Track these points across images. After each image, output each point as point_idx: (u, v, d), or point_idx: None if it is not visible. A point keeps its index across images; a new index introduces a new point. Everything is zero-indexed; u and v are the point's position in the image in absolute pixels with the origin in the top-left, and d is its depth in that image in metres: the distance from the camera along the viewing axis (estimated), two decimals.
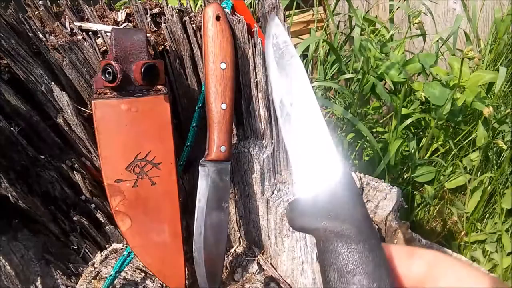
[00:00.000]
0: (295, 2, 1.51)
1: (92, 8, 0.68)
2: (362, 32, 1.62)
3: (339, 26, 1.65)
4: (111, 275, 0.65)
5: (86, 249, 0.75)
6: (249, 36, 0.65)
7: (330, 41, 1.55)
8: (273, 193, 0.72)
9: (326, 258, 0.27)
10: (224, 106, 0.63)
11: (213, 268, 0.67)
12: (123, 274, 0.70)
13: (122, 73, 0.57)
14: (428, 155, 1.38)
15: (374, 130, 1.47)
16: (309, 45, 1.45)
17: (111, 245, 0.76)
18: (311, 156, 0.30)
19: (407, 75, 1.21)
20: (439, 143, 1.36)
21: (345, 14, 1.67)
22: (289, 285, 0.74)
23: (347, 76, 1.39)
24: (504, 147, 1.13)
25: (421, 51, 1.58)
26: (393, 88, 1.36)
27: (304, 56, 1.56)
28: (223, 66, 0.62)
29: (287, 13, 1.69)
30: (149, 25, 0.69)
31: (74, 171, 0.71)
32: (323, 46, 1.54)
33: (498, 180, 1.26)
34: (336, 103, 1.43)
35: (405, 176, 1.40)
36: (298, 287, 0.73)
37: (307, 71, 1.53)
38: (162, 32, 0.68)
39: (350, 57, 1.49)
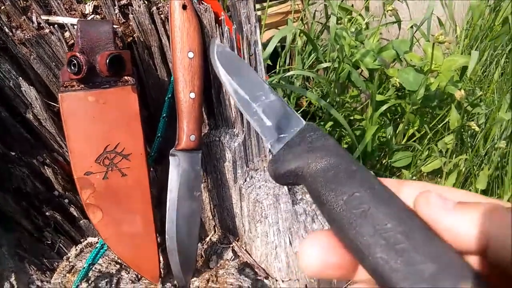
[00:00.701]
0: None
1: (59, 1, 0.68)
2: (339, 21, 1.63)
3: (316, 16, 1.66)
4: (84, 268, 0.65)
5: (60, 244, 0.75)
6: (217, 25, 0.66)
7: (307, 31, 1.56)
8: (245, 181, 0.73)
9: (317, 187, 0.28)
10: (192, 95, 0.63)
11: (187, 257, 0.67)
12: (97, 266, 0.70)
13: (87, 64, 0.57)
14: (404, 140, 1.40)
15: (352, 117, 1.48)
16: (286, 36, 1.46)
17: (86, 239, 0.76)
18: (275, 117, 0.34)
19: (381, 62, 1.22)
20: (415, 128, 1.38)
21: (321, 4, 1.67)
22: (263, 270, 0.75)
23: (324, 65, 1.40)
24: (477, 129, 1.16)
25: (397, 38, 1.60)
26: (369, 76, 1.37)
27: (282, 47, 1.57)
28: (191, 55, 0.62)
29: (264, 4, 1.70)
30: (117, 16, 0.68)
31: (46, 167, 0.71)
32: (301, 36, 1.55)
33: (473, 162, 1.29)
34: (313, 92, 1.44)
35: (383, 162, 1.42)
36: (272, 272, 0.74)
37: (284, 61, 1.53)
38: (131, 23, 0.68)
39: (327, 46, 1.50)
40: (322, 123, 1.49)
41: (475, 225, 0.24)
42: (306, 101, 1.62)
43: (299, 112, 1.53)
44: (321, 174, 0.28)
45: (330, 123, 1.47)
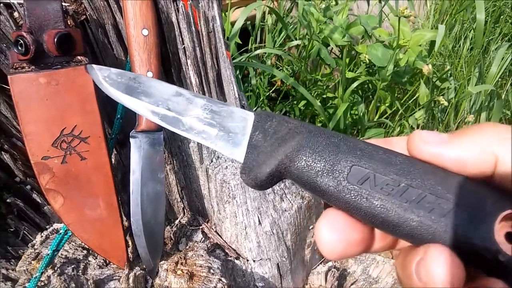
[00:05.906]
0: None
1: None
2: None
3: None
4: (48, 254, 0.64)
5: (25, 231, 0.73)
6: (171, 0, 0.63)
7: (277, 8, 1.53)
8: (211, 161, 0.72)
9: (310, 176, 0.25)
10: (150, 74, 0.61)
11: (154, 239, 0.66)
12: (64, 253, 0.69)
13: (35, 44, 0.55)
14: (377, 117, 1.40)
15: (324, 96, 1.48)
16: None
17: (51, 226, 0.74)
18: (216, 121, 0.29)
19: (350, 39, 1.21)
20: (387, 104, 1.38)
21: None
22: (234, 250, 0.75)
23: (295, 42, 1.39)
24: (446, 103, 1.17)
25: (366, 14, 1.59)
26: (341, 53, 1.36)
27: (252, 26, 1.54)
28: (145, 32, 0.60)
29: None
30: None
31: (3, 152, 0.68)
32: (271, 14, 1.52)
33: None
34: (284, 70, 1.43)
35: None
36: (243, 252, 0.74)
37: (255, 39, 1.51)
38: (83, 1, 0.65)
39: (297, 24, 1.48)
40: (295, 102, 1.49)
41: (480, 149, 0.23)
42: (281, 80, 1.61)
43: (272, 91, 1.52)
44: (308, 161, 0.25)
45: (303, 102, 1.47)
